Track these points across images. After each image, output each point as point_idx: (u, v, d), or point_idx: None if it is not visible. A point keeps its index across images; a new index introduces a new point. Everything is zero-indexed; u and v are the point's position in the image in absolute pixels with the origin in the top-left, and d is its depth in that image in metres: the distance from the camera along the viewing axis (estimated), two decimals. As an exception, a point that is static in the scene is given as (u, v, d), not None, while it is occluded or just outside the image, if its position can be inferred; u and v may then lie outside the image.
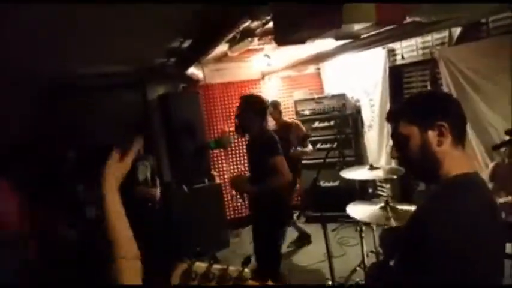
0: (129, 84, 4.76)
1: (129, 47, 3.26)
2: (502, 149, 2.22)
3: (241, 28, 2.66)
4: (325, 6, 1.41)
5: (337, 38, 2.29)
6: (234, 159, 5.39)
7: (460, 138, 1.09)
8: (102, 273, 0.98)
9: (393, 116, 1.18)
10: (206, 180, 4.65)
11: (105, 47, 3.16)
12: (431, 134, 1.07)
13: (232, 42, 3.42)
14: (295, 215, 5.40)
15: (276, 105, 4.41)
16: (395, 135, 1.15)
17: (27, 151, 3.51)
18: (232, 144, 5.06)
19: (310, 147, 4.39)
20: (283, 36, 1.74)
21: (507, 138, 2.26)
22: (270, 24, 2.74)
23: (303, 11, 1.47)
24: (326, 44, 3.57)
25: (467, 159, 1.12)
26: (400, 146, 1.14)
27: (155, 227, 3.57)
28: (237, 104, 2.95)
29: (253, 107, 2.82)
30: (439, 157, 1.08)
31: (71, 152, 3.85)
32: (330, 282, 2.99)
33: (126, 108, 4.66)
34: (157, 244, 3.51)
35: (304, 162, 5.21)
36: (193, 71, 4.52)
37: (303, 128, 4.51)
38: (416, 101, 1.17)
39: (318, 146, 5.11)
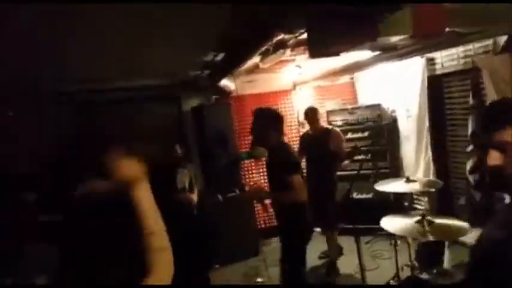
0: (164, 97, 4.92)
1: (163, 59, 3.38)
2: None
3: (274, 41, 2.69)
4: (361, 20, 1.39)
5: (373, 50, 2.25)
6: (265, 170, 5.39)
7: None
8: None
9: (494, 124, 1.09)
10: (237, 190, 4.70)
11: (139, 60, 3.27)
12: None
13: (265, 54, 3.46)
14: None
15: (312, 110, 4.29)
16: (497, 142, 1.07)
17: (57, 170, 3.58)
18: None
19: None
20: (318, 49, 1.74)
21: None
22: (303, 35, 2.75)
23: (338, 25, 1.46)
24: (361, 53, 3.52)
25: None
26: (501, 154, 1.06)
27: (189, 233, 3.65)
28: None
29: (266, 120, 2.77)
30: None
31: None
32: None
33: (161, 121, 4.82)
34: (189, 250, 3.58)
35: (337, 173, 5.13)
36: (225, 82, 4.61)
37: (343, 137, 4.35)
38: None
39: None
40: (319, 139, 4.11)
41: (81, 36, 2.30)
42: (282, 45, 3.03)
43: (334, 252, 4.10)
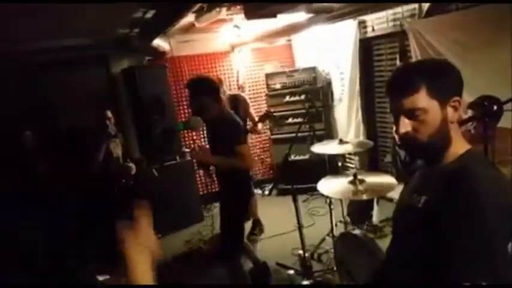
0: (90, 57, 4.47)
1: (88, 17, 3.02)
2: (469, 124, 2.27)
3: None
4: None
5: (308, 12, 2.21)
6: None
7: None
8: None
9: (404, 88, 1.03)
10: (177, 158, 4.57)
11: (62, 18, 2.90)
12: (450, 110, 1.03)
13: (200, 12, 3.26)
14: (267, 188, 5.50)
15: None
16: (408, 108, 1.02)
17: None
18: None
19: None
20: (254, 10, 1.65)
21: (470, 112, 2.33)
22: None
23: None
24: (298, 15, 3.48)
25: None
26: (412, 121, 1.03)
27: (128, 204, 3.51)
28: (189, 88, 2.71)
29: (203, 91, 2.59)
30: (452, 134, 1.04)
31: (27, 132, 3.57)
32: (300, 251, 3.09)
33: (89, 85, 4.41)
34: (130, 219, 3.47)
35: (275, 137, 5.24)
36: (159, 42, 4.30)
37: (249, 103, 4.38)
38: (435, 72, 1.04)
39: (290, 120, 5.12)
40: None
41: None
42: (217, 3, 2.87)
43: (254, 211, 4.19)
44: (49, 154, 3.51)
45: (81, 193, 3.25)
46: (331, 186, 2.60)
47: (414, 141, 1.05)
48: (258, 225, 4.14)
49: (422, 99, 1.01)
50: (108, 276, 2.35)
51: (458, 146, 1.06)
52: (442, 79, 1.03)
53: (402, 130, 1.05)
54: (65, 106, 4.16)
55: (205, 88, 2.61)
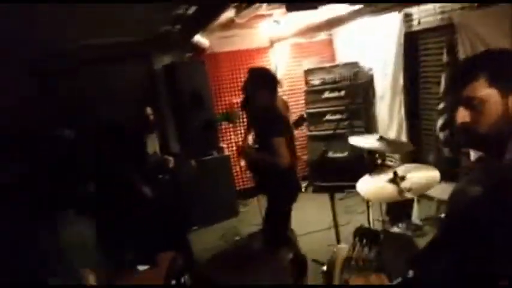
0: (134, 54, 4.65)
1: (131, 14, 3.14)
2: None
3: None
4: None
5: (352, 3, 2.15)
6: (243, 132, 5.35)
7: None
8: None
9: (465, 76, 1.01)
10: (215, 153, 4.65)
11: (105, 16, 3.04)
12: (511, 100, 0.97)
13: (239, 8, 3.28)
14: (303, 185, 5.44)
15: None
16: (466, 97, 0.99)
17: (21, 139, 3.37)
18: (242, 117, 4.99)
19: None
20: (295, 2, 1.63)
21: None
22: (279, -12, 2.60)
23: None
24: (340, 8, 3.40)
25: None
26: (471, 111, 0.99)
27: (166, 197, 3.62)
28: (245, 75, 2.85)
29: (262, 80, 2.69)
30: None
31: (67, 131, 3.72)
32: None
33: (132, 81, 4.59)
34: (167, 214, 3.59)
35: (312, 133, 5.17)
36: (199, 39, 4.39)
37: (288, 107, 4.35)
38: (497, 61, 1.00)
39: (328, 117, 5.03)
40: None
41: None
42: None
43: None
44: (91, 150, 3.63)
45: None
46: (370, 187, 2.50)
47: (472, 132, 1.00)
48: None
49: (481, 88, 0.97)
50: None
51: None
52: (503, 67, 0.98)
53: (460, 120, 1.01)
54: (107, 103, 4.33)
55: (264, 79, 2.70)
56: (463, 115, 1.00)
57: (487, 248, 0.90)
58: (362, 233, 1.11)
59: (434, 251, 1.15)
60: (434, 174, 2.31)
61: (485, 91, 0.97)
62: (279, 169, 2.63)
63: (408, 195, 2.23)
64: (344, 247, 1.03)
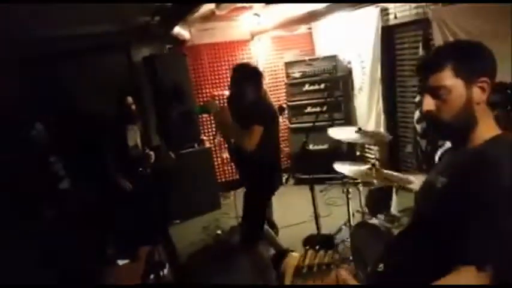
0: (112, 45, 4.54)
1: (109, 5, 3.07)
2: None
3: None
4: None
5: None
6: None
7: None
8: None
9: (431, 66, 1.03)
10: (196, 145, 4.63)
11: (83, 6, 2.96)
12: (476, 90, 1.00)
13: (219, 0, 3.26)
14: (284, 177, 5.48)
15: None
16: (432, 86, 1.02)
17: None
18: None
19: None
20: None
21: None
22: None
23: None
24: (319, 1, 3.43)
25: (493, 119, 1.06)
26: (436, 99, 1.02)
27: (146, 190, 3.59)
28: (227, 69, 2.85)
29: (246, 77, 2.71)
30: (477, 116, 1.01)
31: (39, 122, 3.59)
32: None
33: (110, 72, 4.49)
34: (148, 207, 3.56)
35: (294, 126, 5.21)
36: (179, 30, 4.33)
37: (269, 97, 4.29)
38: (463, 52, 1.03)
39: (308, 109, 5.08)
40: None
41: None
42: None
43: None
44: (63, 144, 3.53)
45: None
46: (348, 169, 2.58)
47: (437, 120, 1.04)
48: (272, 227, 4.08)
49: (446, 78, 1.00)
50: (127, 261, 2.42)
51: (486, 130, 1.03)
52: (469, 58, 1.01)
53: (425, 108, 1.04)
54: (85, 94, 4.24)
55: (248, 74, 2.72)
56: (428, 103, 1.04)
57: (450, 236, 0.94)
58: (313, 240, 1.15)
59: (403, 239, 1.19)
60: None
61: (450, 81, 1.00)
62: (247, 153, 2.63)
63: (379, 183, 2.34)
64: (295, 255, 1.04)
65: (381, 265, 1.12)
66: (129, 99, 3.50)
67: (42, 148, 3.49)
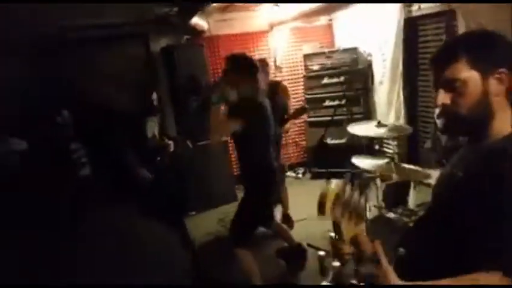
0: (130, 35, 4.57)
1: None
2: None
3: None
4: None
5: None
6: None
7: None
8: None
9: (445, 58, 0.99)
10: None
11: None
12: (493, 82, 0.95)
13: (238, -10, 3.21)
14: (301, 171, 5.46)
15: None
16: (446, 79, 0.98)
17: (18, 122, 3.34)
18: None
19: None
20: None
21: None
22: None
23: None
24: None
25: None
26: (451, 93, 0.97)
27: (164, 181, 3.63)
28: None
29: (240, 68, 2.53)
30: (495, 109, 0.96)
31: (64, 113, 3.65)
32: (332, 234, 3.06)
33: (129, 63, 4.52)
34: (165, 197, 3.60)
35: (311, 119, 5.15)
36: (197, 21, 4.32)
37: (289, 94, 4.15)
38: (478, 42, 0.99)
39: (327, 102, 5.01)
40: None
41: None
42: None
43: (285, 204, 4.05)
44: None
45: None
46: (366, 163, 2.53)
47: (452, 114, 0.99)
48: (287, 221, 3.96)
49: (461, 70, 0.96)
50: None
51: (504, 124, 0.97)
52: (485, 49, 0.96)
53: (440, 102, 1.00)
54: (102, 84, 4.27)
55: (239, 65, 2.57)
56: (443, 97, 0.99)
57: (464, 229, 0.91)
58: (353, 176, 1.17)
59: (418, 231, 1.17)
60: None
61: (466, 73, 0.95)
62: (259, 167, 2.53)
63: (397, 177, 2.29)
64: (338, 182, 1.06)
65: (401, 249, 1.09)
66: (154, 94, 3.54)
67: (67, 134, 3.56)
